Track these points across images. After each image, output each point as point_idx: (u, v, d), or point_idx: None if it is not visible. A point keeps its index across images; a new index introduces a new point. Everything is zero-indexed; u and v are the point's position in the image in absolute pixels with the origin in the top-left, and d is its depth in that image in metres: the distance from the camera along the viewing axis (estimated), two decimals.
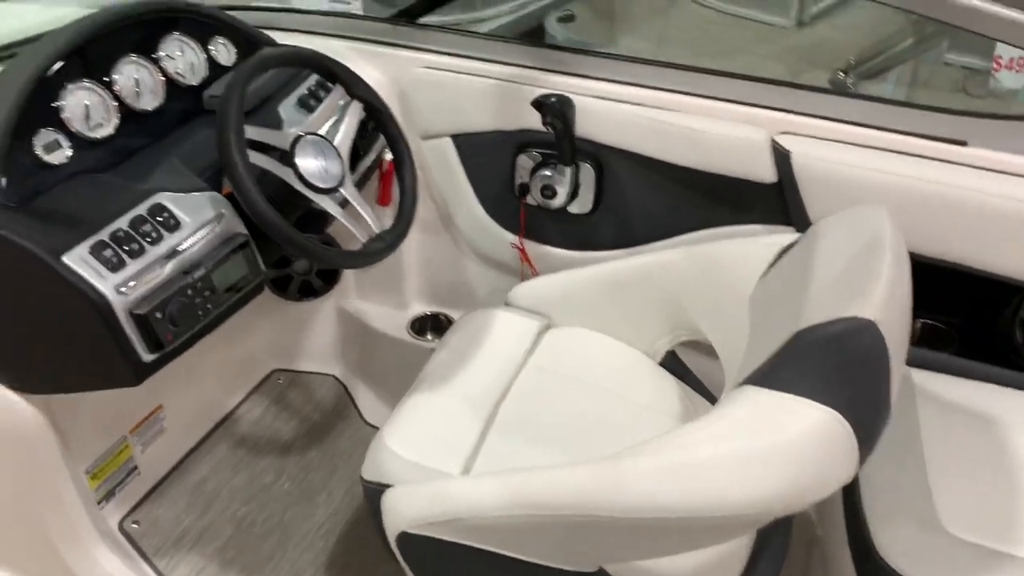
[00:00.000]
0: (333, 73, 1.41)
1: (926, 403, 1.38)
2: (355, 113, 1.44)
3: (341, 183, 1.36)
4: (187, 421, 1.81)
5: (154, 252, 1.23)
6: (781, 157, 1.44)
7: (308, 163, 1.32)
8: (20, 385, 1.34)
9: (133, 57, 1.41)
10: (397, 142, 1.47)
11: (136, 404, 1.68)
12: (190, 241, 1.27)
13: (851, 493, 1.26)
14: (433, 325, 1.99)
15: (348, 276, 1.99)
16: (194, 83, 1.51)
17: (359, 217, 1.39)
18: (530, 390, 1.45)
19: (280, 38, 1.70)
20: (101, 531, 1.56)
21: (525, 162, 1.68)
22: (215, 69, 1.55)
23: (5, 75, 1.28)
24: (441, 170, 1.77)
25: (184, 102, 1.49)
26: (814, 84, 1.45)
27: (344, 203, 1.38)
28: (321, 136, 1.36)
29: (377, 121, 1.47)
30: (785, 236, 1.34)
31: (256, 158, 1.26)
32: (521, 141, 1.67)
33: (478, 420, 1.37)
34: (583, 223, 1.70)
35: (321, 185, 1.33)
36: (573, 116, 1.57)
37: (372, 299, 2.02)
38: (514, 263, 1.81)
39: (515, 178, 1.71)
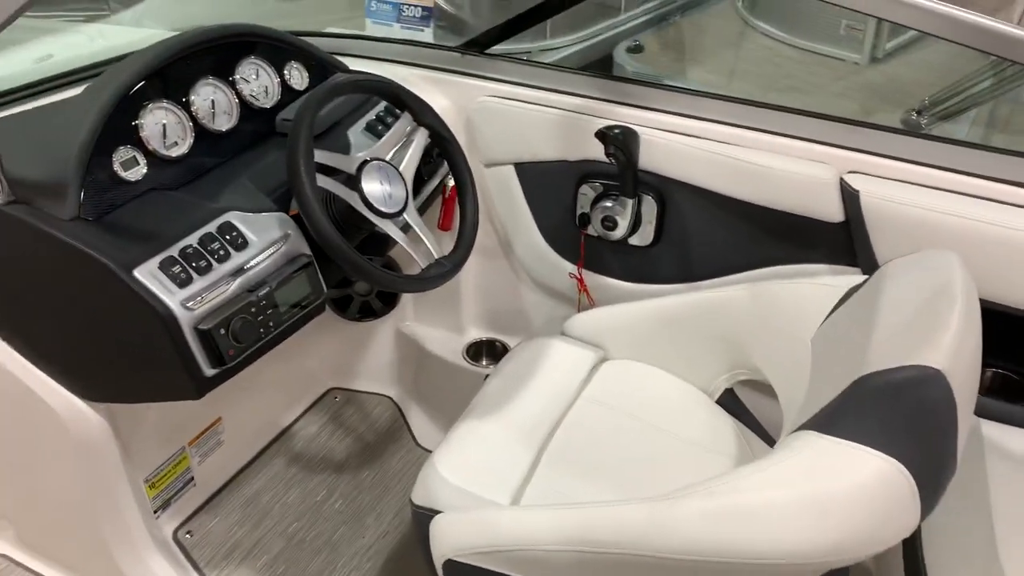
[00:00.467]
0: (402, 100, 1.43)
1: (995, 456, 1.33)
2: (421, 140, 1.46)
3: (404, 208, 1.38)
4: (245, 435, 1.84)
5: (221, 269, 1.26)
6: (849, 196, 1.41)
7: (373, 188, 1.35)
8: (86, 392, 1.38)
9: (211, 79, 1.46)
10: (461, 170, 1.48)
11: (196, 416, 1.72)
12: (256, 260, 1.30)
13: (912, 545, 1.22)
14: (488, 351, 1.99)
15: (407, 299, 2.01)
16: (267, 106, 1.55)
17: (420, 243, 1.40)
18: (583, 422, 1.44)
19: (351, 64, 1.74)
20: (156, 540, 1.60)
21: (587, 192, 1.68)
22: (288, 93, 1.59)
23: (89, 92, 1.33)
24: (503, 198, 1.78)
25: (257, 124, 1.53)
26: (886, 123, 1.43)
27: (406, 228, 1.40)
28: (387, 162, 1.38)
29: (442, 149, 1.49)
30: (851, 278, 1.31)
31: (323, 181, 1.29)
32: (584, 172, 1.67)
33: (529, 450, 1.37)
34: (643, 256, 1.69)
35: (385, 210, 1.35)
36: (637, 148, 1.57)
37: (430, 322, 2.04)
38: (572, 293, 1.81)
39: (576, 208, 1.71)
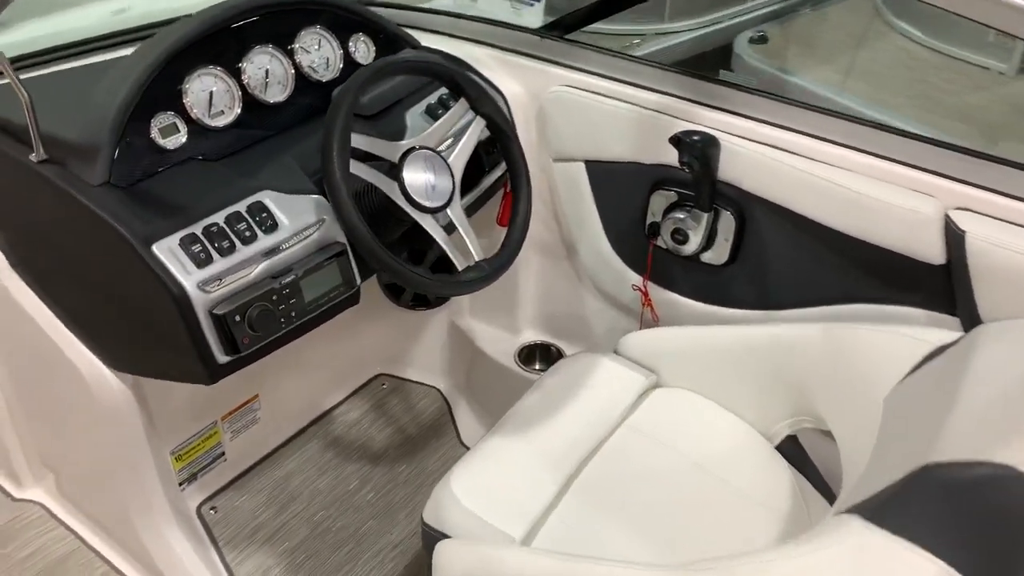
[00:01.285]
0: (458, 85, 1.32)
1: None
2: (477, 130, 1.34)
3: (448, 203, 1.28)
4: (282, 414, 1.80)
5: (245, 252, 1.19)
6: (954, 236, 1.22)
7: (415, 178, 1.25)
8: (110, 360, 1.34)
9: (268, 47, 1.39)
10: (517, 168, 1.37)
11: (232, 391, 1.68)
12: (284, 244, 1.22)
13: None
14: (542, 355, 1.88)
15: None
16: (326, 79, 1.47)
17: (462, 242, 1.30)
18: (621, 453, 1.31)
19: (424, 40, 1.64)
20: (177, 512, 1.57)
21: (659, 201, 1.53)
22: (351, 67, 1.50)
23: (136, 54, 1.28)
24: (570, 195, 1.66)
25: (312, 97, 1.45)
26: (1009, 157, 1.23)
27: (449, 225, 1.30)
28: (434, 151, 1.28)
29: (499, 141, 1.37)
30: (941, 333, 1.13)
31: (358, 168, 1.19)
32: (658, 177, 1.53)
33: (556, 479, 1.25)
34: (715, 275, 1.54)
35: (425, 203, 1.25)
36: (717, 157, 1.42)
37: (485, 318, 1.94)
38: (634, 305, 1.67)
39: (647, 216, 1.57)
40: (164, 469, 1.55)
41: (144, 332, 1.22)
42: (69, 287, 1.31)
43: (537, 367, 1.86)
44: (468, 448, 1.90)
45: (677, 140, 1.38)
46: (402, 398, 1.98)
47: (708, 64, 3.31)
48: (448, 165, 1.29)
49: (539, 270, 1.83)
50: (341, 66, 1.49)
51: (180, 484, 1.62)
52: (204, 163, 1.29)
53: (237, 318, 1.18)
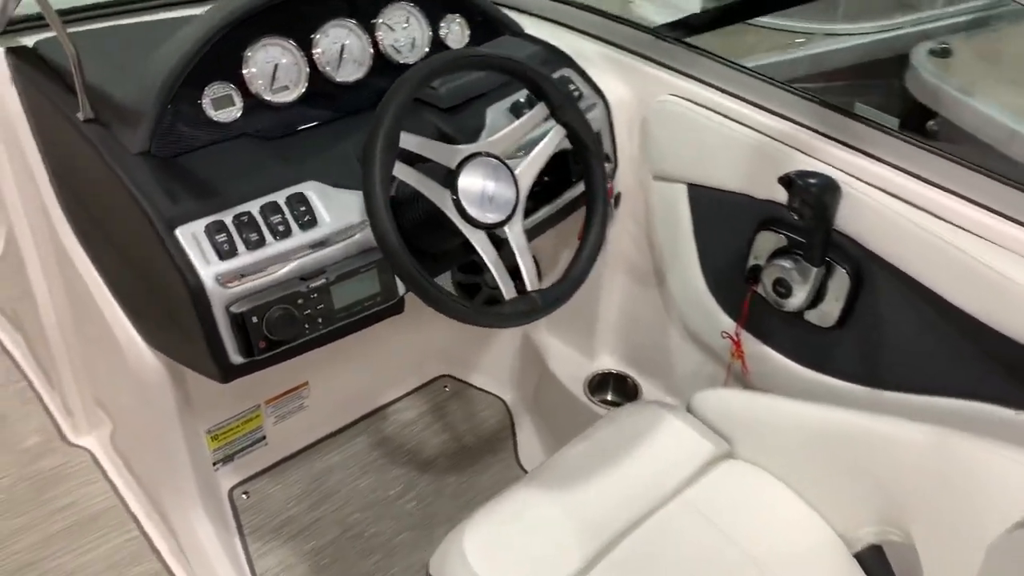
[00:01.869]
0: (538, 87, 1.16)
1: None
2: (555, 140, 1.18)
3: (507, 220, 1.12)
4: (332, 405, 1.71)
5: (274, 248, 1.08)
6: None
7: (472, 188, 1.10)
8: (144, 335, 1.27)
9: (347, 21, 1.26)
10: (595, 192, 1.19)
11: (280, 375, 1.60)
12: (320, 243, 1.11)
13: None
14: (616, 386, 1.70)
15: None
16: (409, 61, 1.34)
17: (517, 265, 1.14)
18: (669, 531, 1.14)
19: (528, 27, 1.48)
20: (205, 492, 1.50)
21: (766, 242, 1.32)
22: (440, 49, 1.37)
23: (201, 16, 1.18)
24: (667, 219, 1.47)
25: (389, 81, 1.31)
26: None
27: (502, 243, 1.14)
28: (499, 159, 1.12)
29: (580, 156, 1.20)
30: None
31: (404, 172, 1.05)
32: (767, 215, 1.31)
33: (585, 550, 1.09)
34: (818, 337, 1.32)
35: (479, 217, 1.10)
36: (835, 205, 1.19)
37: (560, 336, 1.78)
38: (723, 352, 1.47)
39: (749, 256, 1.36)
40: (197, 447, 1.49)
41: (165, 316, 1.14)
42: (108, 252, 1.24)
43: (609, 397, 1.69)
44: (525, 471, 1.76)
45: (788, 181, 1.17)
46: (463, 404, 1.86)
47: (878, 73, 2.98)
48: (514, 176, 1.13)
49: (624, 294, 1.65)
50: (428, 49, 1.35)
51: (214, 464, 1.56)
52: (256, 141, 1.18)
53: (255, 319, 1.07)
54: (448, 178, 1.10)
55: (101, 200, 1.18)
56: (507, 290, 1.12)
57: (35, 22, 1.34)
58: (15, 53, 1.27)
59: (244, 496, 1.61)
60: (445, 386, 1.88)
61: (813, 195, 1.15)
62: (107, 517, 1.64)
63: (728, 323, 1.43)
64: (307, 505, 1.62)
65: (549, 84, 1.15)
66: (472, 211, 1.10)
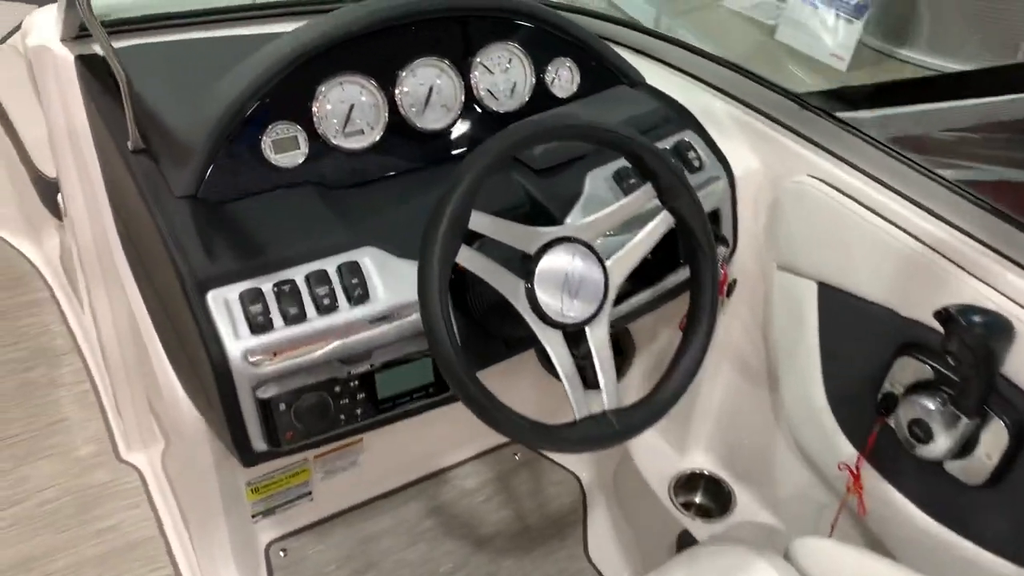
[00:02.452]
0: (646, 166, 0.96)
1: None
2: (661, 229, 0.98)
3: (589, 320, 0.94)
4: (387, 464, 1.56)
5: (315, 324, 0.93)
6: None
7: (552, 280, 0.91)
8: (181, 383, 1.16)
9: (438, 60, 1.10)
10: (701, 298, 0.99)
11: None
12: (369, 323, 0.95)
13: None
14: (708, 490, 1.48)
15: (631, 380, 1.55)
16: (505, 109, 1.16)
17: (593, 376, 0.95)
18: None
19: (650, 72, 1.28)
20: (240, 545, 1.39)
21: (906, 370, 1.09)
22: (542, 97, 1.19)
23: (274, 46, 1.04)
24: (789, 316, 1.24)
25: (482, 129, 1.15)
26: None
27: (582, 349, 0.96)
28: (588, 247, 0.94)
29: (688, 252, 1.00)
30: None
31: (468, 258, 0.88)
32: (912, 339, 1.08)
33: None
34: (959, 493, 1.07)
35: (555, 316, 0.92)
36: (1006, 349, 0.95)
37: None
38: (837, 481, 1.23)
39: (883, 381, 1.12)
40: (235, 499, 1.37)
41: (194, 377, 1.01)
42: (150, 291, 1.13)
43: (697, 499, 1.48)
44: (591, 564, 1.56)
45: (946, 316, 0.93)
46: (534, 477, 1.68)
47: None
48: (604, 268, 0.94)
49: (728, 387, 1.43)
50: (528, 97, 1.18)
51: (253, 516, 1.44)
52: (318, 191, 1.04)
53: (283, 406, 0.93)
54: (524, 264, 0.92)
55: (143, 239, 1.06)
56: (578, 407, 0.94)
57: (120, 27, 1.24)
58: (84, 62, 1.17)
59: (282, 553, 1.48)
60: (515, 454, 1.70)
61: (978, 338, 0.91)
62: (144, 548, 1.55)
63: (848, 450, 1.20)
64: (348, 571, 1.48)
65: (660, 163, 0.95)
66: (548, 307, 0.92)
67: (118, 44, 1.19)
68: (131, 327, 1.32)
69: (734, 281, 1.27)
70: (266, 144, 1.02)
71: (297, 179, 1.04)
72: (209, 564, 1.38)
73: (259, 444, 0.95)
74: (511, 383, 1.62)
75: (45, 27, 1.20)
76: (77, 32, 1.19)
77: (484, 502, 1.62)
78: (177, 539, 1.53)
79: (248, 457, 0.96)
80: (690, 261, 1.00)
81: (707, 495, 1.49)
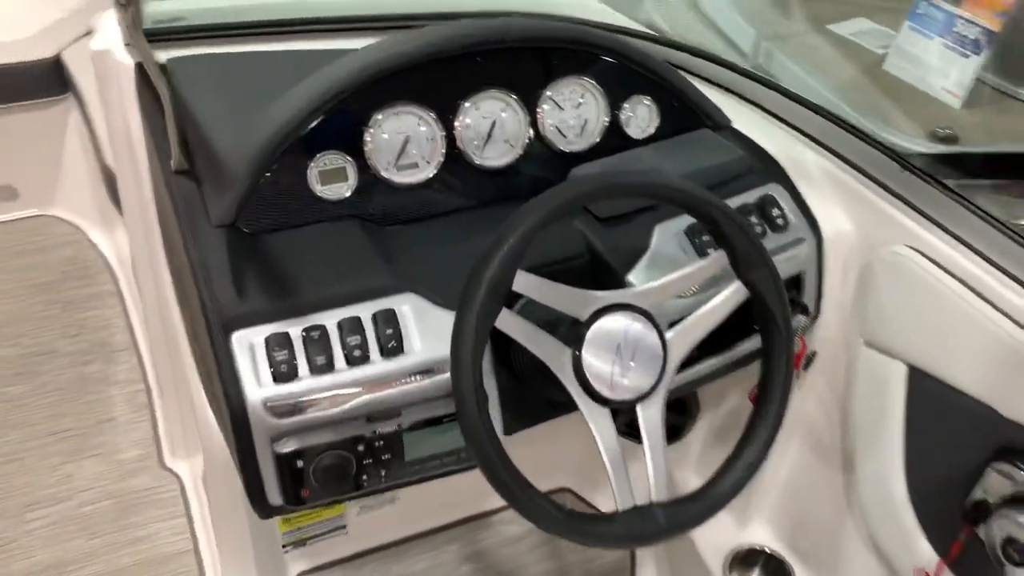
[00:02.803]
0: (721, 233, 0.86)
1: None
2: (731, 302, 0.88)
3: (642, 399, 0.85)
4: (427, 502, 1.49)
5: (343, 376, 0.86)
6: None
7: (601, 350, 0.83)
8: (212, 410, 1.11)
9: (504, 93, 1.02)
10: (773, 381, 0.89)
11: None
12: (401, 378, 0.88)
13: None
14: (768, 567, 1.36)
15: (695, 438, 1.44)
16: (572, 149, 1.08)
17: (640, 460, 0.86)
18: None
19: (738, 114, 1.17)
20: (267, 574, 1.34)
21: (1001, 477, 0.95)
22: (614, 137, 1.09)
23: (332, 67, 0.97)
24: (873, 398, 1.12)
25: (543, 169, 1.07)
26: None
27: (630, 425, 0.87)
28: (648, 316, 0.84)
29: (763, 330, 0.89)
30: None
31: (509, 323, 0.80)
32: (1012, 443, 0.95)
33: None
34: None
35: (602, 390, 0.83)
36: None
37: None
38: None
39: (975, 487, 0.99)
40: (266, 527, 1.32)
41: (218, 412, 0.96)
42: (186, 313, 1.09)
43: None
44: None
45: None
46: None
47: None
48: (664, 341, 0.85)
49: (797, 462, 1.30)
50: (599, 137, 1.08)
51: (284, 546, 1.39)
52: (364, 227, 0.97)
53: (301, 463, 0.86)
54: (573, 331, 0.83)
55: (178, 262, 1.01)
56: (621, 498, 0.85)
57: (184, 35, 1.20)
58: (143, 70, 1.14)
59: None
60: (564, 503, 1.61)
61: None
62: (176, 563, 1.52)
63: (927, 554, 1.07)
64: None
65: (737, 231, 0.85)
66: (596, 380, 0.83)
67: (181, 52, 1.15)
68: (174, 342, 1.28)
69: (813, 353, 1.16)
70: (312, 174, 0.95)
71: (342, 212, 0.97)
72: None
73: (275, 498, 0.89)
74: (554, 434, 1.53)
75: (110, 30, 1.16)
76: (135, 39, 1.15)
77: (527, 552, 1.53)
78: (209, 557, 1.49)
79: (263, 510, 0.90)
80: (764, 340, 0.90)
81: (765, 573, 1.36)
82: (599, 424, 0.84)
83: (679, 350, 0.86)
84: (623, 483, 0.85)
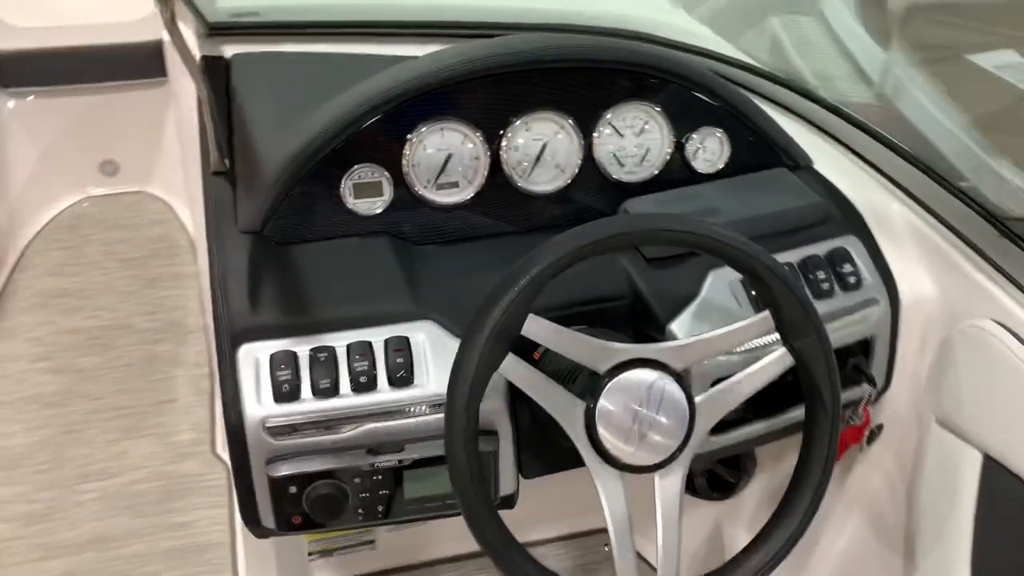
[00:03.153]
0: (769, 294, 0.77)
1: None
2: (776, 369, 0.79)
3: (660, 467, 0.77)
4: (460, 529, 1.43)
5: (346, 402, 0.82)
6: None
7: (619, 409, 0.75)
8: None
9: (558, 115, 0.96)
10: (813, 455, 0.80)
11: None
12: (406, 409, 0.83)
13: None
14: None
15: (752, 495, 1.34)
16: (630, 179, 1.00)
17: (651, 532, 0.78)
18: None
19: (820, 152, 1.07)
20: None
21: None
22: (677, 170, 1.01)
23: (377, 78, 0.93)
24: (942, 483, 1.00)
25: (595, 199, 1.00)
26: None
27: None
28: (678, 377, 0.76)
29: (807, 404, 0.80)
30: None
31: (514, 370, 0.73)
32: None
33: None
34: None
35: (616, 452, 0.76)
36: None
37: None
38: None
39: None
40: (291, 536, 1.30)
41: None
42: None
43: None
44: None
45: None
46: None
47: None
48: (692, 407, 0.77)
49: (856, 538, 1.19)
50: (660, 168, 1.00)
51: (310, 554, 1.36)
52: (394, 245, 0.92)
53: (293, 489, 0.82)
54: (589, 384, 0.76)
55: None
56: (626, 569, 0.77)
57: (246, 31, 1.19)
58: (208, 63, 1.13)
59: None
60: (605, 544, 1.53)
61: None
62: (212, 552, 1.52)
63: None
64: None
65: (786, 293, 0.76)
66: (609, 441, 0.75)
67: (243, 48, 1.14)
68: None
69: (879, 427, 1.04)
70: (346, 187, 0.91)
71: (375, 228, 0.93)
72: None
73: (268, 520, 0.85)
74: (568, 477, 1.45)
75: (182, 19, 1.16)
76: (208, 31, 1.14)
77: None
78: (242, 549, 1.49)
79: (256, 530, 0.87)
80: (807, 416, 0.80)
81: None
82: (608, 489, 0.77)
83: (709, 417, 0.78)
84: (627, 558, 0.77)
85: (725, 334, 0.78)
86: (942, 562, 1.00)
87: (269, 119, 0.99)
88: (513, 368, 0.73)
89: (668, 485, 0.78)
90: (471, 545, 1.46)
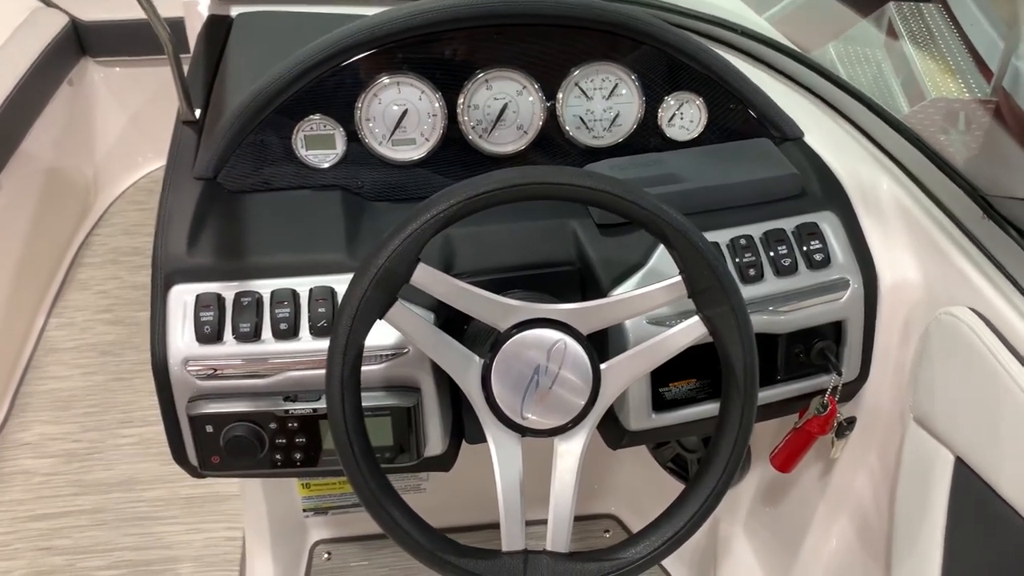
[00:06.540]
0: (681, 257, 0.72)
1: None
2: (686, 336, 0.74)
3: (562, 430, 0.74)
4: (458, 498, 1.42)
5: (265, 348, 0.83)
6: None
7: (519, 368, 0.73)
8: None
9: (522, 75, 0.93)
10: (721, 438, 0.74)
11: None
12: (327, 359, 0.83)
13: None
14: None
15: (747, 491, 1.27)
16: (596, 144, 0.96)
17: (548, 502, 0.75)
18: None
19: (815, 122, 1.00)
20: (282, 539, 1.35)
21: None
22: (648, 136, 0.97)
23: (328, 37, 0.93)
24: (915, 487, 0.91)
25: (556, 162, 0.96)
26: None
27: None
28: (580, 338, 0.73)
29: (724, 381, 0.75)
30: None
31: (403, 318, 0.72)
32: None
33: None
34: None
35: (512, 414, 0.73)
36: None
37: (755, 543, 1.28)
38: None
39: None
40: (286, 488, 1.33)
41: None
42: None
43: None
44: None
45: None
46: None
47: None
48: (595, 373, 0.73)
49: (842, 540, 1.10)
50: (627, 136, 0.96)
51: (305, 511, 1.39)
52: (347, 200, 0.92)
53: (210, 429, 0.84)
54: (490, 343, 0.74)
55: None
56: (508, 538, 0.75)
57: None
58: (212, 22, 1.16)
59: (326, 556, 1.42)
60: (606, 530, 1.49)
61: None
62: (228, 504, 1.59)
63: None
64: None
65: (695, 255, 0.71)
66: (505, 401, 0.73)
67: (252, 9, 1.17)
68: None
69: (851, 420, 0.96)
70: (298, 138, 0.92)
71: (329, 182, 0.94)
72: (254, 550, 1.35)
73: (194, 458, 0.87)
74: (606, 460, 1.40)
75: None
76: None
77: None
78: (245, 506, 1.54)
79: (187, 468, 0.89)
80: (722, 393, 0.75)
81: None
82: (503, 451, 0.75)
83: (614, 385, 0.74)
84: (515, 522, 0.75)
85: (632, 298, 0.74)
86: (915, 571, 0.92)
87: (248, 73, 1.01)
88: (400, 317, 0.72)
89: (567, 451, 0.75)
90: (472, 518, 1.46)
